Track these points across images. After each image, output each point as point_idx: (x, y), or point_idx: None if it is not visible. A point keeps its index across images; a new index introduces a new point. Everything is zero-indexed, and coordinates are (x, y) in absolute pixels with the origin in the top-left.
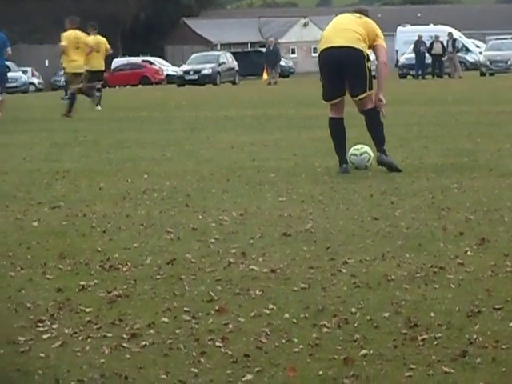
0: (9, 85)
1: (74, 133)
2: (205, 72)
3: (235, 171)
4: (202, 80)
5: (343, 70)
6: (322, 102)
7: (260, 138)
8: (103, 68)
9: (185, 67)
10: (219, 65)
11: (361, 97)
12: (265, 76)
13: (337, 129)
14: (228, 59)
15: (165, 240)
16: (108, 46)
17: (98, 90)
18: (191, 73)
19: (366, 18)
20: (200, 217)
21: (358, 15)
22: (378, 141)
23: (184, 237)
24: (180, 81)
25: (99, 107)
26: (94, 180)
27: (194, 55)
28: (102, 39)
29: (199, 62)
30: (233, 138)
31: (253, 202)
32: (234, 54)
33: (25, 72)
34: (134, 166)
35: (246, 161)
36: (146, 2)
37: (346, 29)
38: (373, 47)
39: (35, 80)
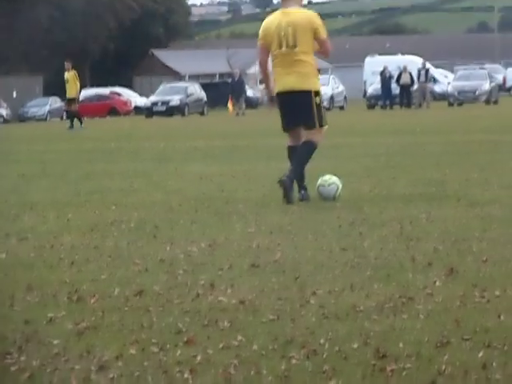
0: None
1: (42, 164)
2: (173, 103)
3: (204, 202)
4: (171, 111)
5: (295, 109)
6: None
7: (228, 168)
8: None
9: (153, 98)
10: (187, 96)
11: (311, 131)
12: (230, 107)
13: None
14: (196, 90)
15: (133, 271)
16: None
17: None
18: (159, 104)
19: (306, 13)
20: (168, 248)
21: (297, 9)
22: (296, 173)
23: (152, 268)
24: (148, 112)
25: None
26: (62, 211)
27: (162, 86)
28: None
29: (167, 93)
30: (201, 169)
31: (221, 233)
32: (202, 84)
33: None
34: (102, 197)
35: (215, 191)
36: (114, 32)
37: (295, 58)
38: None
39: (3, 111)
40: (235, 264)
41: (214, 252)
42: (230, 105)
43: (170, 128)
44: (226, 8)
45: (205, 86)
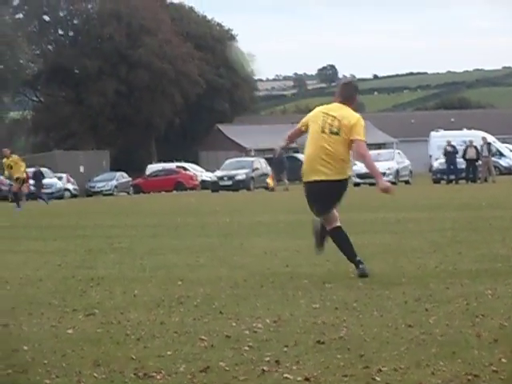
0: (44, 191)
1: (108, 239)
2: (239, 178)
3: (268, 277)
4: (236, 185)
5: (322, 195)
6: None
7: (293, 243)
8: None
9: (219, 173)
10: (253, 170)
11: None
12: (269, 182)
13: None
14: (262, 165)
15: (198, 348)
16: None
17: None
18: (225, 178)
19: (349, 112)
20: (234, 324)
21: (340, 106)
22: (350, 256)
23: (218, 344)
24: (214, 186)
25: None
26: (129, 287)
27: (228, 161)
28: None
29: (233, 168)
30: (266, 244)
31: (286, 309)
32: (267, 159)
33: (60, 178)
34: (168, 273)
35: (280, 267)
36: (180, 107)
37: (327, 148)
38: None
39: (70, 186)
40: (300, 341)
41: (279, 328)
42: (269, 180)
43: (235, 203)
44: (291, 83)
45: (270, 161)
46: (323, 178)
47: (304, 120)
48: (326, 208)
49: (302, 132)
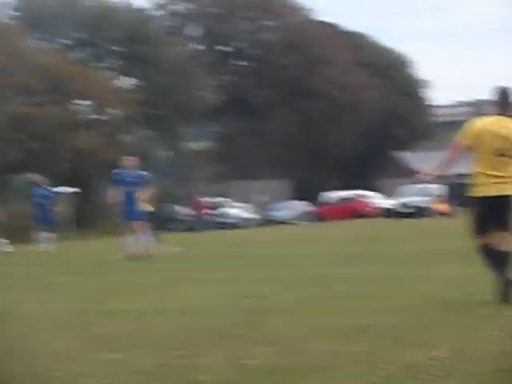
0: (225, 220)
1: (280, 268)
2: (419, 204)
3: (452, 305)
4: (418, 213)
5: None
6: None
7: (473, 270)
8: None
9: (399, 200)
10: (432, 197)
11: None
12: (439, 207)
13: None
14: (442, 191)
15: (378, 377)
16: None
17: None
18: (406, 205)
19: None
20: (413, 353)
21: (505, 120)
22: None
23: (398, 374)
24: (394, 214)
25: None
26: (305, 316)
27: (408, 188)
28: None
29: (414, 195)
30: (452, 271)
31: (466, 337)
32: (445, 185)
33: (240, 208)
34: (346, 302)
35: (465, 295)
36: (357, 135)
37: (499, 168)
38: None
39: (250, 215)
40: (482, 369)
41: (460, 357)
42: (437, 205)
43: (415, 230)
44: (469, 108)
45: (447, 187)
46: (496, 193)
47: (468, 138)
48: (501, 225)
49: (465, 151)
